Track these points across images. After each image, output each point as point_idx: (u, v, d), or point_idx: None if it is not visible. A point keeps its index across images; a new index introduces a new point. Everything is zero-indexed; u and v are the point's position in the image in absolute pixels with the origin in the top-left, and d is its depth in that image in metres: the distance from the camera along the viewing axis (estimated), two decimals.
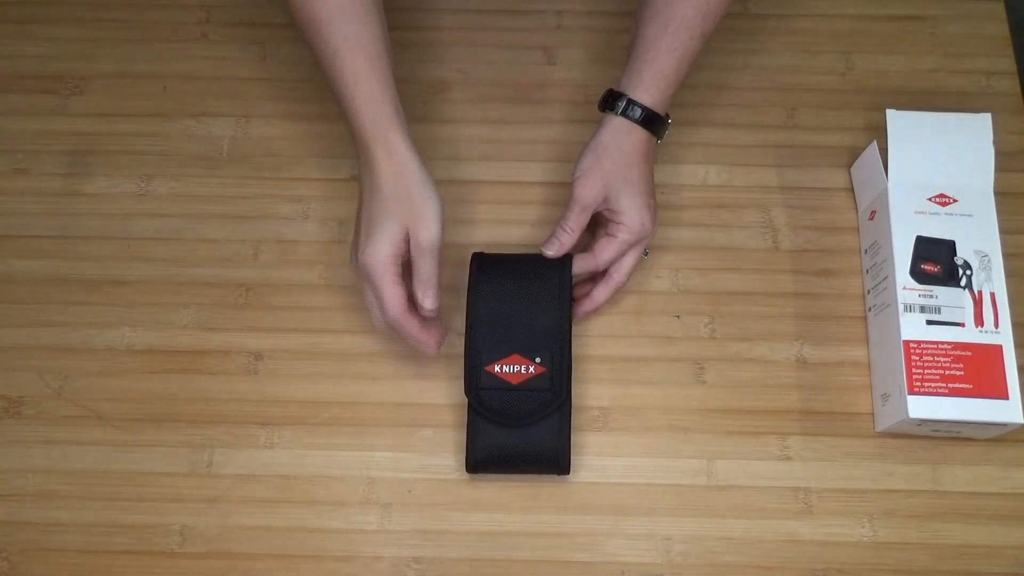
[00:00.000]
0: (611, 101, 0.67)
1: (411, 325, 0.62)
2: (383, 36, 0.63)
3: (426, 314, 0.63)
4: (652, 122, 0.66)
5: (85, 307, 0.71)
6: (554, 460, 0.64)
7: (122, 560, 0.64)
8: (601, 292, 0.68)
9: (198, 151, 0.77)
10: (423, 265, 0.61)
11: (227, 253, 0.73)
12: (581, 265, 0.67)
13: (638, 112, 0.65)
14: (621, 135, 0.66)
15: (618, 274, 0.68)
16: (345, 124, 0.64)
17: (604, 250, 0.67)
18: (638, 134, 0.66)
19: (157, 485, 0.66)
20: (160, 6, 0.82)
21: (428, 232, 0.61)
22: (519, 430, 0.64)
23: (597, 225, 0.69)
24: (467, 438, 0.65)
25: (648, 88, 0.66)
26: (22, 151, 0.76)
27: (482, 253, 0.68)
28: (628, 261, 0.68)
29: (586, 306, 0.68)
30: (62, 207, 0.74)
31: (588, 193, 0.66)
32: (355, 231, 0.64)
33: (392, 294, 0.61)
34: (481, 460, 0.64)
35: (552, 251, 0.66)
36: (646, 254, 0.70)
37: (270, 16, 0.82)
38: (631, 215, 0.66)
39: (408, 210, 0.61)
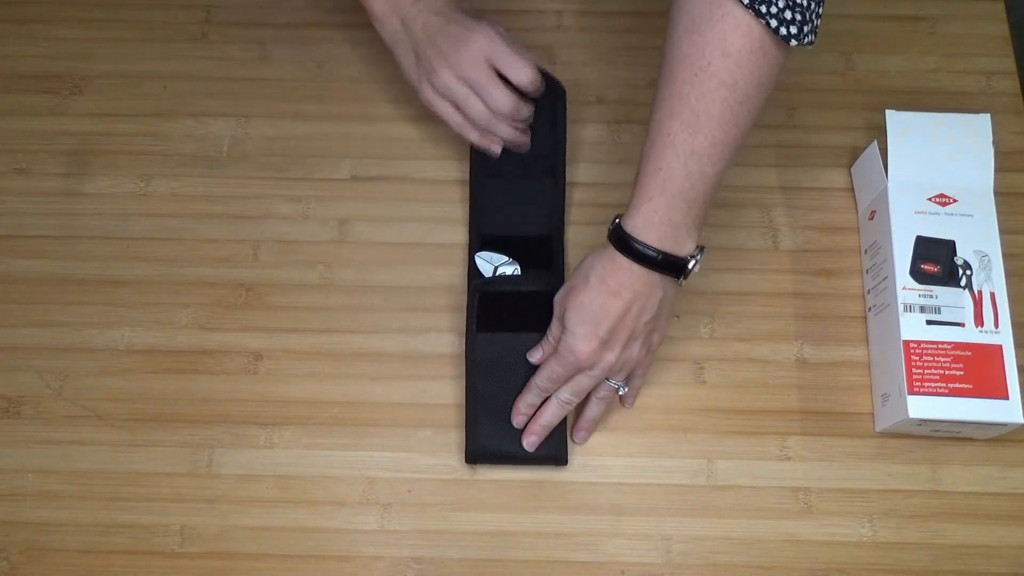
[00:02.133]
0: (609, 231, 0.61)
1: (524, 107, 0.68)
2: None
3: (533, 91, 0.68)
4: (626, 247, 0.58)
5: (85, 307, 0.71)
6: (552, 451, 0.64)
7: (122, 560, 0.64)
8: (588, 413, 0.66)
9: (198, 151, 0.77)
10: (506, 53, 0.65)
11: (227, 253, 0.73)
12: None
13: (613, 232, 0.59)
14: (594, 259, 0.61)
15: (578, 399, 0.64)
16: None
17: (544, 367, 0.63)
18: (608, 258, 0.59)
19: (157, 485, 0.66)
20: (160, 6, 0.82)
21: (493, 29, 0.66)
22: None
23: None
24: (466, 430, 0.65)
25: (634, 210, 0.58)
26: (22, 151, 0.76)
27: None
28: (582, 382, 0.63)
29: (580, 431, 0.67)
30: (62, 207, 0.74)
31: (557, 302, 0.63)
32: (423, 61, 0.67)
33: (499, 84, 0.65)
34: (480, 451, 0.64)
35: (534, 359, 0.65)
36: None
37: (270, 16, 0.82)
38: (567, 336, 0.61)
39: (469, 18, 0.66)
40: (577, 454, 0.67)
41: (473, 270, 0.68)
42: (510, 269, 0.68)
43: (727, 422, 0.68)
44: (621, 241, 0.59)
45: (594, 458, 0.67)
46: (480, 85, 0.66)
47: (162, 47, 0.80)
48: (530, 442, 0.64)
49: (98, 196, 0.75)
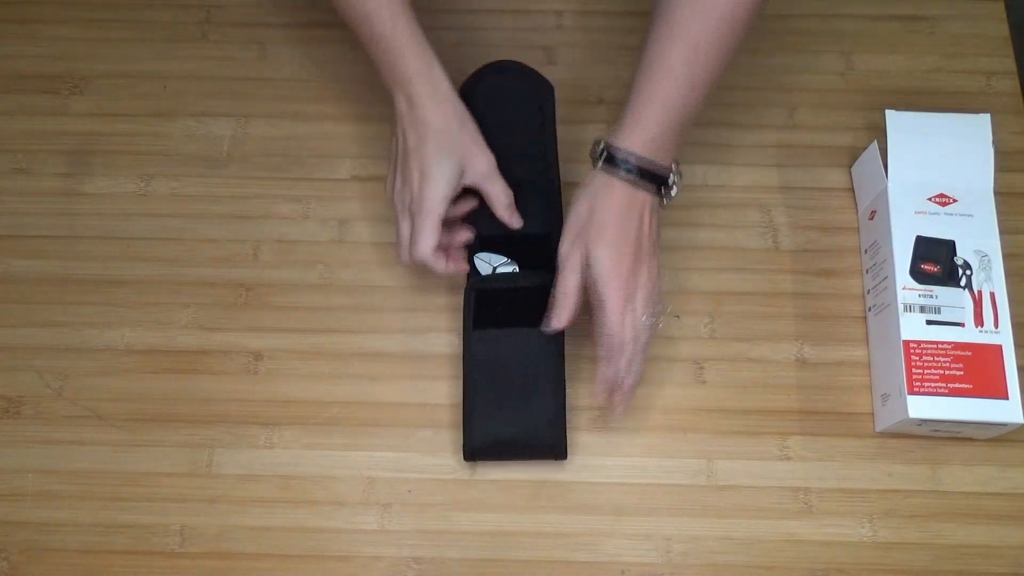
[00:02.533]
0: (593, 154, 0.62)
1: (439, 263, 0.64)
2: None
3: (516, 226, 0.67)
4: (638, 171, 0.60)
5: (85, 307, 0.71)
6: (550, 444, 0.64)
7: (122, 560, 0.64)
8: (623, 372, 0.62)
9: (198, 151, 0.77)
10: (495, 188, 0.65)
11: (227, 253, 0.73)
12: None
13: (614, 159, 0.60)
14: (590, 187, 0.61)
15: (628, 343, 0.61)
16: (390, 109, 0.65)
17: (605, 321, 0.61)
18: (617, 187, 0.60)
19: (157, 485, 0.66)
20: (160, 6, 0.82)
21: (487, 158, 0.64)
22: (516, 416, 0.64)
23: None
24: (464, 427, 0.65)
25: (628, 135, 0.60)
26: (22, 151, 0.76)
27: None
28: (629, 325, 0.61)
29: (617, 401, 0.63)
30: (62, 207, 0.74)
31: (565, 249, 0.62)
32: (396, 169, 0.65)
33: (432, 236, 0.63)
34: (479, 447, 0.64)
35: (551, 326, 0.63)
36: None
37: (270, 16, 0.82)
38: (602, 271, 0.60)
39: (461, 144, 0.63)
40: (577, 454, 0.67)
41: (472, 271, 0.68)
42: (508, 269, 0.67)
43: (727, 422, 0.68)
44: (621, 163, 0.60)
45: (594, 458, 0.67)
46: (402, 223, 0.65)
47: (162, 47, 0.80)
48: (621, 410, 0.64)
49: (98, 196, 0.75)
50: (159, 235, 0.74)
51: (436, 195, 0.62)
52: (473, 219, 0.69)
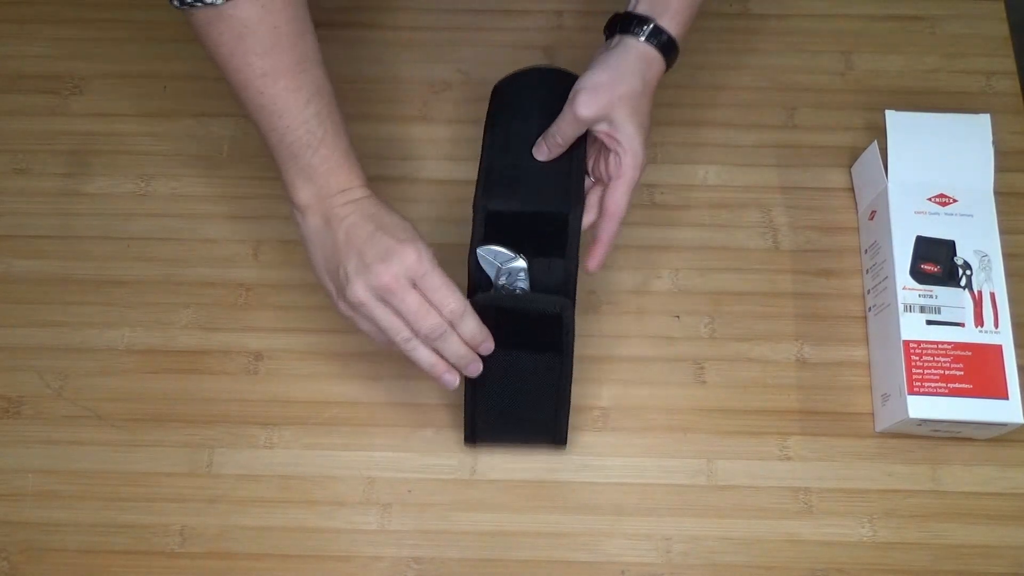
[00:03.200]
0: (631, 24, 0.62)
1: (475, 316, 0.58)
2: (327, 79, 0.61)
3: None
4: (670, 53, 0.62)
5: (85, 307, 0.71)
6: (551, 431, 0.64)
7: (122, 560, 0.64)
8: (607, 230, 0.63)
9: (198, 151, 0.77)
10: (435, 278, 0.57)
11: (227, 253, 0.73)
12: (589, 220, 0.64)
13: (664, 39, 0.61)
14: (642, 63, 0.62)
15: (618, 208, 0.62)
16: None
17: (616, 192, 0.62)
18: (658, 65, 0.62)
19: (157, 485, 0.66)
20: (160, 6, 0.81)
21: (425, 248, 0.58)
22: (518, 401, 0.63)
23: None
24: (465, 412, 0.64)
25: (675, 16, 0.62)
26: (22, 151, 0.76)
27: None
28: (625, 193, 0.62)
29: (598, 253, 0.64)
30: (62, 207, 0.74)
31: (592, 108, 0.60)
32: (339, 269, 0.57)
33: (422, 301, 0.56)
34: (481, 430, 0.64)
35: (541, 156, 0.63)
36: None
37: None
38: (636, 144, 0.61)
39: (403, 230, 0.58)
40: (577, 454, 0.67)
41: (474, 264, 0.63)
42: (517, 267, 0.62)
43: (727, 422, 0.68)
44: (669, 51, 0.62)
45: (594, 458, 0.67)
46: (399, 300, 0.56)
47: (162, 47, 0.80)
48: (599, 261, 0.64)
49: (98, 196, 0.75)
50: (159, 235, 0.74)
51: (401, 269, 0.56)
52: (481, 192, 0.64)
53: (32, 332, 0.70)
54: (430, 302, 0.57)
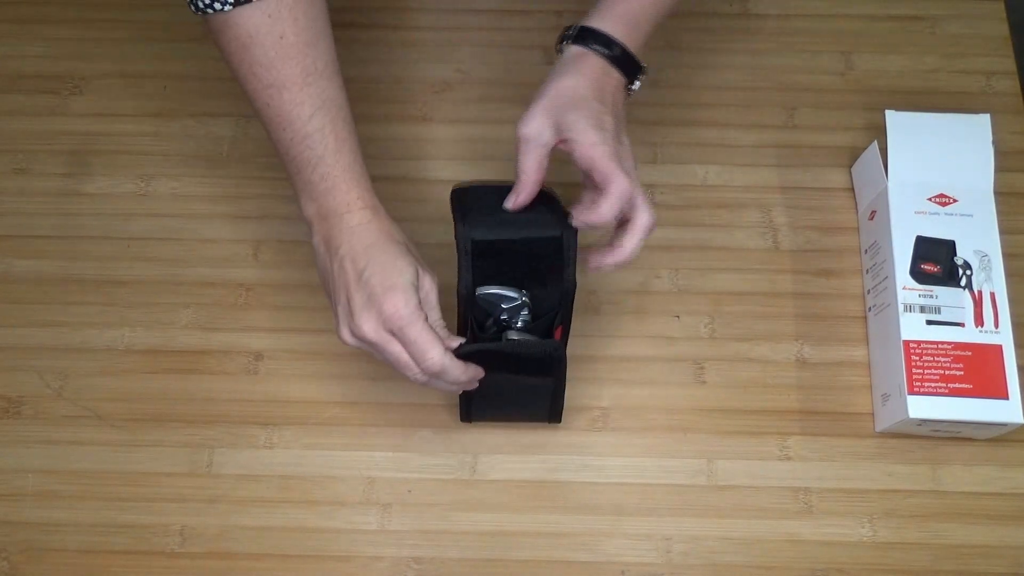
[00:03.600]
0: (561, 38, 0.60)
1: (455, 367, 0.55)
2: (345, 94, 0.59)
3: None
4: (615, 58, 0.58)
5: (85, 307, 0.71)
6: (546, 411, 0.64)
7: (122, 560, 0.64)
8: (630, 241, 0.58)
9: (198, 151, 0.77)
10: (412, 332, 0.54)
11: (227, 253, 0.73)
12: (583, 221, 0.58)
13: (590, 37, 0.58)
14: (568, 63, 0.58)
15: (643, 216, 0.58)
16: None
17: (602, 206, 0.56)
18: (591, 60, 0.57)
19: (157, 485, 0.66)
20: (160, 6, 0.82)
21: (433, 279, 0.57)
22: (514, 390, 0.62)
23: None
24: (460, 395, 0.64)
25: (605, 17, 0.58)
26: (22, 151, 0.76)
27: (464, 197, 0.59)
28: (633, 183, 0.56)
29: (604, 262, 0.59)
30: (62, 207, 0.74)
31: (531, 126, 0.56)
32: (349, 297, 0.55)
33: (433, 338, 0.54)
34: (476, 409, 0.64)
35: (509, 204, 0.58)
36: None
37: None
38: (588, 135, 0.55)
39: (395, 271, 0.55)
40: (577, 454, 0.67)
41: (465, 303, 0.58)
42: (519, 306, 0.59)
43: (727, 422, 0.68)
44: (600, 43, 0.57)
45: (594, 458, 0.67)
46: (380, 351, 0.55)
47: (162, 47, 0.80)
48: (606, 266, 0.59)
49: (98, 196, 0.75)
50: (159, 235, 0.74)
51: (409, 301, 0.54)
52: (470, 219, 0.59)
53: (32, 332, 0.70)
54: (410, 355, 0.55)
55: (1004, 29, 0.81)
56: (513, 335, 0.60)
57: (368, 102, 0.78)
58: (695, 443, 0.67)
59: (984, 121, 0.69)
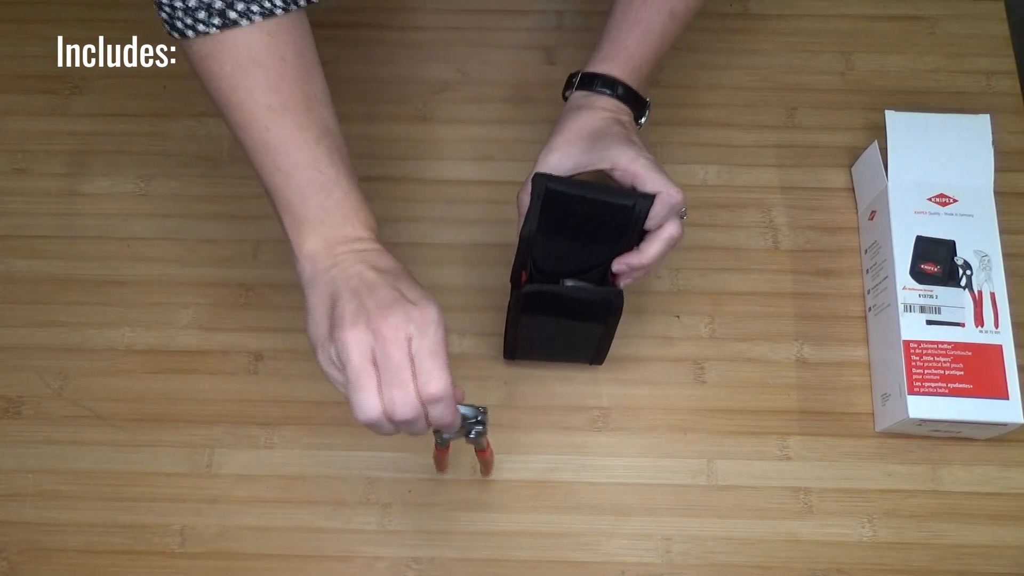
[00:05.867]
0: (569, 85, 0.62)
1: (451, 408, 0.49)
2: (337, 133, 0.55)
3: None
4: (621, 97, 0.60)
5: (85, 307, 0.71)
6: (590, 352, 0.66)
7: (122, 560, 0.64)
8: (654, 247, 0.58)
9: (198, 151, 0.77)
10: (430, 344, 0.48)
11: (227, 253, 0.73)
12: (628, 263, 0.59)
13: (598, 82, 0.60)
14: (576, 106, 0.60)
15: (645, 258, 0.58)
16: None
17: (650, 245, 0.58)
18: (600, 100, 0.60)
19: (157, 485, 0.66)
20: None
21: (437, 313, 0.49)
22: (560, 334, 0.64)
23: None
24: (506, 334, 0.65)
25: (610, 61, 0.61)
26: (22, 151, 0.76)
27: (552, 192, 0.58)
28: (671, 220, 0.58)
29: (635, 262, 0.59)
30: (62, 207, 0.74)
31: (550, 160, 0.58)
32: (336, 310, 0.49)
33: (406, 364, 0.47)
34: (521, 349, 0.66)
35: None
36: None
37: None
38: (625, 152, 0.56)
39: (415, 289, 0.50)
40: (577, 454, 0.67)
41: (530, 247, 0.59)
42: (478, 422, 0.56)
43: (727, 422, 0.68)
44: (607, 86, 0.60)
45: (594, 458, 0.67)
46: (385, 354, 0.47)
47: (162, 47, 0.80)
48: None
49: (98, 196, 0.75)
50: (159, 235, 0.74)
51: (437, 310, 0.48)
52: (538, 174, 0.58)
53: (32, 332, 0.70)
54: (412, 372, 0.47)
55: (1004, 29, 0.81)
56: (569, 282, 0.62)
57: (368, 102, 0.78)
58: (695, 443, 0.67)
59: (984, 121, 0.69)
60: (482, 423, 0.55)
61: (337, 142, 0.54)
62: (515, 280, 0.62)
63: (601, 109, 0.60)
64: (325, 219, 0.52)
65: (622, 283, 0.61)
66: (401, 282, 0.50)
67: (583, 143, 0.58)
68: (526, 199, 0.58)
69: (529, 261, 0.60)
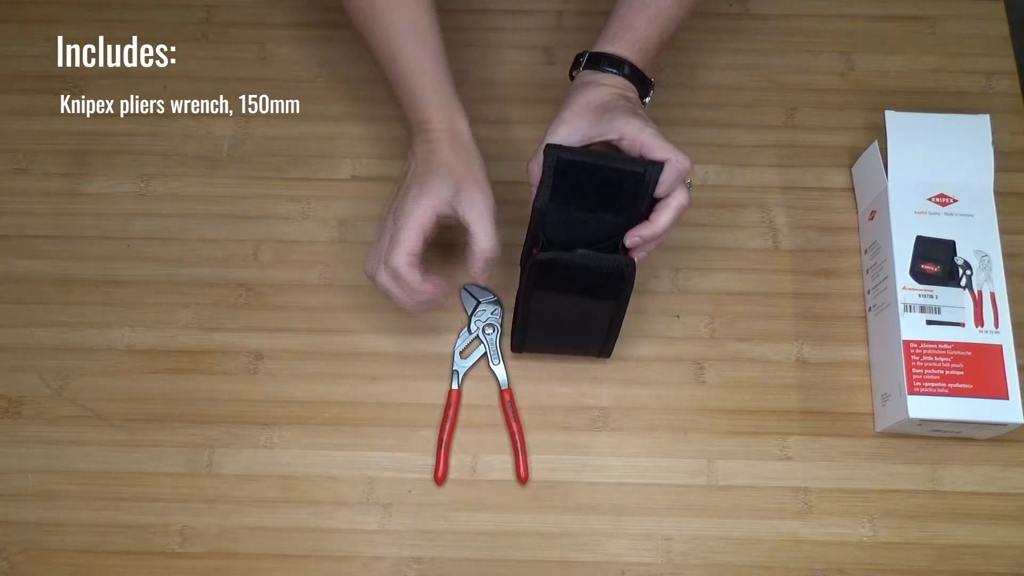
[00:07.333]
0: (577, 64, 0.65)
1: (413, 275, 0.60)
2: (437, 23, 0.64)
3: (480, 283, 0.64)
4: (627, 76, 0.62)
5: (85, 307, 0.71)
6: (598, 344, 0.66)
7: (122, 560, 0.64)
8: (664, 217, 0.60)
9: (198, 151, 0.77)
10: (481, 233, 0.60)
11: (227, 253, 0.73)
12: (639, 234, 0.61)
13: (604, 63, 0.62)
14: (583, 84, 0.62)
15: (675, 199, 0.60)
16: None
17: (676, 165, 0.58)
18: (607, 78, 0.62)
19: (157, 485, 0.66)
20: (160, 6, 0.82)
21: (486, 200, 0.61)
22: (569, 322, 0.64)
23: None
24: (514, 323, 0.65)
25: (618, 41, 0.63)
26: (22, 151, 0.76)
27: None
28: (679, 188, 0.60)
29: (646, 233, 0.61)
30: (62, 207, 0.74)
31: (558, 134, 0.60)
32: (396, 190, 0.63)
33: (411, 241, 0.59)
34: (530, 340, 0.66)
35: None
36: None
37: (270, 16, 0.82)
38: (631, 123, 0.59)
39: (465, 177, 0.61)
40: (577, 454, 0.67)
41: (542, 218, 0.61)
42: (494, 307, 0.64)
43: (727, 422, 0.68)
44: (614, 65, 0.62)
45: (594, 458, 0.67)
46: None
47: (162, 47, 0.80)
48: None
49: (98, 196, 0.75)
50: (159, 235, 0.74)
51: (426, 204, 0.60)
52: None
53: (32, 332, 0.70)
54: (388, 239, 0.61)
55: (1004, 29, 0.81)
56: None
57: (368, 102, 0.78)
58: (695, 443, 0.67)
59: (984, 121, 0.69)
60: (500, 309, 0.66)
61: (422, 41, 0.64)
62: (526, 259, 0.63)
63: (608, 86, 0.62)
64: (408, 101, 0.64)
65: (636, 257, 0.62)
66: (424, 178, 0.61)
67: (591, 116, 0.61)
68: (536, 169, 0.60)
69: (541, 235, 0.61)
